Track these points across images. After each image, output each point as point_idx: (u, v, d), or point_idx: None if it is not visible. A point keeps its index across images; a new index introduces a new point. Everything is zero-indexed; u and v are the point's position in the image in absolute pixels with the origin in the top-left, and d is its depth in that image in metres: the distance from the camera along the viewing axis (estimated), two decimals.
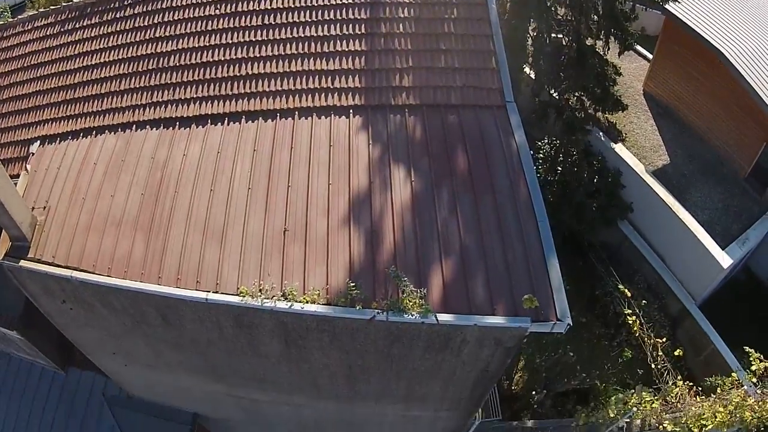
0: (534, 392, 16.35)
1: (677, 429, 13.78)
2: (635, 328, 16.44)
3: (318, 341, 10.61)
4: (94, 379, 15.22)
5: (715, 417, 13.36)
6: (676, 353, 16.11)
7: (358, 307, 9.37)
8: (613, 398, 14.27)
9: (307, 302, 9.53)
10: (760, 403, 13.52)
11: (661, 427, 13.96)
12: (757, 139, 16.36)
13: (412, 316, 9.30)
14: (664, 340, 16.49)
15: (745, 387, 14.19)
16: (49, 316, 12.18)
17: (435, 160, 10.98)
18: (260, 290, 9.67)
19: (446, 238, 10.16)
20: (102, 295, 10.67)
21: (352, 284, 9.44)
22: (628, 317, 16.20)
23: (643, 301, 16.86)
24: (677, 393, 14.19)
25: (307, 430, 16.42)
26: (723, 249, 15.61)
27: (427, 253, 10.01)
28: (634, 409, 13.87)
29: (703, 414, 13.42)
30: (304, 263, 9.97)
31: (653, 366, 16.00)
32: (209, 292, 9.81)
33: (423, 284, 9.58)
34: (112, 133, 11.90)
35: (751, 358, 14.34)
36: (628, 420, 14.51)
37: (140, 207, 10.74)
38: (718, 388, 14.34)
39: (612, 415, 13.62)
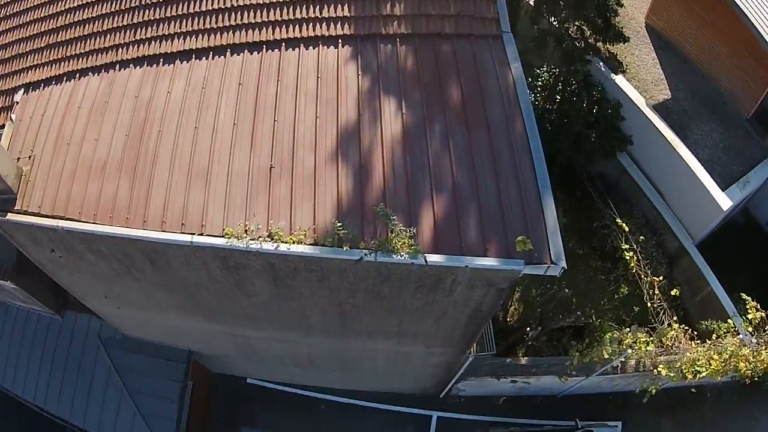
0: (528, 329, 16.11)
1: (671, 374, 13.56)
2: (632, 265, 16.07)
3: (307, 281, 10.24)
4: (89, 322, 15.00)
5: (710, 364, 13.14)
6: (672, 293, 15.77)
7: (345, 248, 8.92)
8: (607, 336, 13.96)
9: (293, 243, 9.07)
10: (754, 353, 13.30)
11: (655, 371, 13.71)
12: (761, 81, 15.54)
13: (401, 256, 8.85)
14: (661, 278, 16.14)
15: (741, 336, 13.91)
16: (39, 264, 11.87)
17: (427, 92, 10.34)
18: (245, 231, 9.20)
19: (438, 175, 9.64)
20: (89, 242, 10.28)
21: (339, 224, 8.96)
22: (625, 253, 15.80)
23: (641, 237, 16.39)
24: (672, 336, 13.88)
25: (301, 365, 16.28)
26: (723, 190, 15.01)
27: (417, 189, 9.51)
28: (629, 350, 13.60)
29: (698, 360, 13.16)
30: (291, 201, 9.48)
31: (649, 304, 15.68)
32: (194, 234, 9.38)
33: (413, 222, 9.14)
34: (96, 74, 11.21)
35: (748, 306, 14.09)
36: (622, 360, 14.29)
37: (124, 149, 10.20)
38: (714, 334, 14.08)
39: (606, 356, 13.36)
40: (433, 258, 8.94)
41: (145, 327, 14.67)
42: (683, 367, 13.73)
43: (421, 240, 9.09)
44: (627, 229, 16.40)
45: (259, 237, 9.17)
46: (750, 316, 13.80)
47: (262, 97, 10.41)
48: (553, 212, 9.30)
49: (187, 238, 9.35)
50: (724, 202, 14.98)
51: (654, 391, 13.84)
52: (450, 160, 9.75)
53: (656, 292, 15.98)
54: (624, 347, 13.60)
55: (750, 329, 13.90)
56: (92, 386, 14.46)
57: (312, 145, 9.88)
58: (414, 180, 9.58)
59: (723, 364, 13.09)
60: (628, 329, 14.38)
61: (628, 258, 16.14)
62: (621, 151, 17.88)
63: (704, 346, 13.49)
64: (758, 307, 14.04)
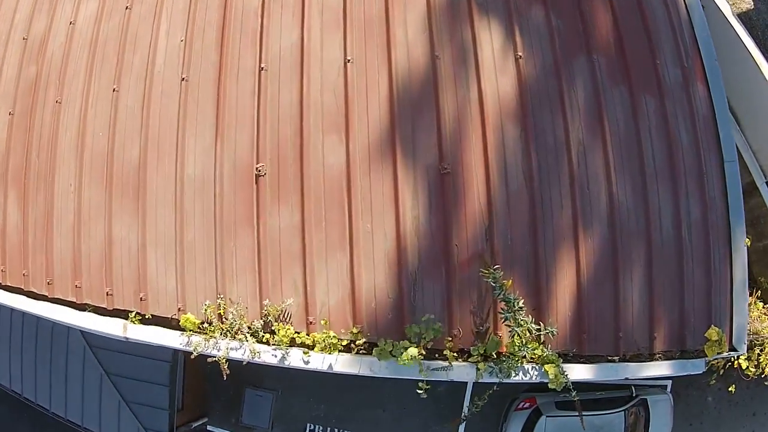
0: None
1: (752, 369, 10.06)
2: None
3: None
4: None
5: None
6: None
7: (422, 373, 3.86)
8: None
9: (310, 348, 3.92)
10: None
11: (736, 363, 10.28)
12: None
13: (524, 375, 3.88)
14: None
15: None
16: None
17: (557, 11, 4.73)
18: (220, 317, 3.94)
19: (583, 185, 4.46)
20: None
21: (431, 318, 4.07)
22: None
23: None
24: (755, 316, 10.30)
25: None
26: None
27: (548, 219, 4.44)
28: None
29: None
30: (303, 246, 4.16)
31: None
32: (129, 315, 4.42)
33: (539, 285, 4.44)
34: None
35: None
36: None
37: (9, 137, 5.31)
38: None
39: None
40: (577, 373, 4.06)
41: None
42: (763, 362, 10.16)
43: (555, 321, 4.08)
44: None
45: (246, 330, 3.94)
46: None
47: (231, 15, 4.61)
48: (744, 256, 4.84)
49: (117, 327, 4.47)
50: None
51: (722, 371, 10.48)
52: (604, 153, 4.49)
53: None
54: None
55: None
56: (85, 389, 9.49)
57: (338, 121, 4.38)
58: (542, 199, 4.35)
59: None
60: None
61: None
62: None
63: None
64: None
